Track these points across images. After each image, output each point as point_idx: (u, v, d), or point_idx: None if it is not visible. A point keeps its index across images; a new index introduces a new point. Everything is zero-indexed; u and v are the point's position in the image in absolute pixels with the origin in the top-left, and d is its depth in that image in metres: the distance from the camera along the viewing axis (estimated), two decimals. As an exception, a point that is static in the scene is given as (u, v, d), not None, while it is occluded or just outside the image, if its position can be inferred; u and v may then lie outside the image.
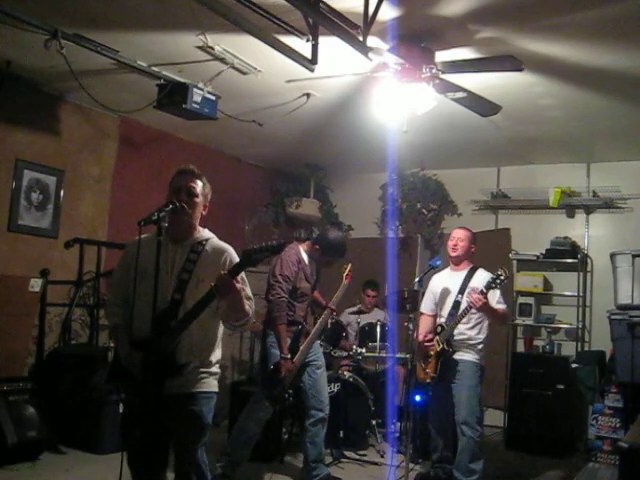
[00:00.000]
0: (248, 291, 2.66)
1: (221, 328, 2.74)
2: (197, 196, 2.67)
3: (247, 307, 2.59)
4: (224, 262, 2.63)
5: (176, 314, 2.54)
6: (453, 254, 4.34)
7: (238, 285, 2.49)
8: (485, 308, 4.04)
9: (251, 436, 4.08)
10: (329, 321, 5.08)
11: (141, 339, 2.52)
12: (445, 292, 4.32)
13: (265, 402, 4.06)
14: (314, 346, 4.25)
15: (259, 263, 2.48)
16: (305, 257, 4.23)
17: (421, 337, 4.28)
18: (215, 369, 2.71)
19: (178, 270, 2.61)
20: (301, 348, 4.11)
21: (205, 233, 2.76)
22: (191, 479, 2.62)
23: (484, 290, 3.98)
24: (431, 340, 4.23)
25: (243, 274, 2.60)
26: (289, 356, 3.99)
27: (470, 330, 4.19)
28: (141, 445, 2.57)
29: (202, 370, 2.64)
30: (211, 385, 2.68)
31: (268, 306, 4.10)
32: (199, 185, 2.68)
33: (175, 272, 2.61)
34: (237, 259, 2.60)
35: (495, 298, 4.15)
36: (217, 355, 2.73)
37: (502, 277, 3.97)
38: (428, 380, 4.24)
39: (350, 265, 4.49)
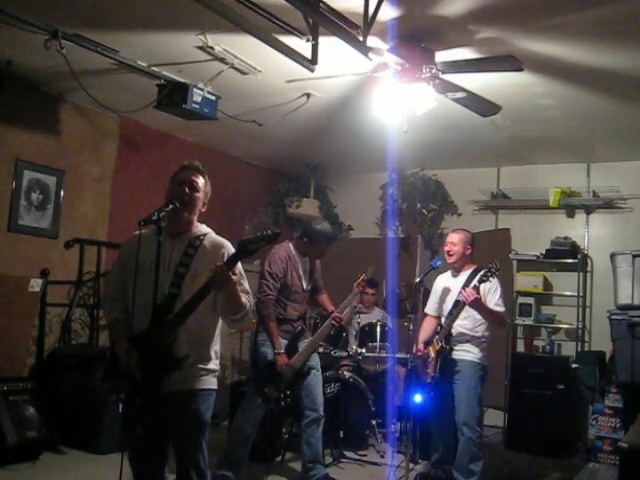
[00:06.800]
0: (246, 285, 2.66)
1: (220, 323, 2.74)
2: (198, 191, 2.69)
3: (244, 300, 2.60)
4: (222, 257, 2.61)
5: (172, 307, 2.54)
6: (449, 261, 4.32)
7: (235, 277, 2.48)
8: (478, 305, 4.00)
9: (247, 436, 4.06)
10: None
11: (138, 333, 2.52)
12: (446, 293, 4.32)
13: (257, 400, 4.03)
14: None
15: (255, 253, 2.48)
16: (296, 254, 4.20)
17: (421, 345, 4.29)
18: (214, 365, 2.69)
19: (175, 264, 2.61)
20: (300, 350, 4.09)
21: (203, 228, 2.76)
22: (191, 477, 2.61)
23: (477, 284, 3.98)
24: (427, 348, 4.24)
25: (241, 268, 2.61)
26: (282, 351, 3.99)
27: (470, 328, 4.16)
28: (143, 442, 2.57)
29: (200, 367, 2.63)
30: (210, 382, 2.67)
31: (256, 304, 4.04)
32: (201, 181, 2.71)
33: (172, 266, 2.61)
34: None
35: (494, 300, 4.13)
36: (216, 350, 2.71)
37: (493, 269, 3.97)
38: (429, 380, 4.23)
39: (364, 275, 4.42)
